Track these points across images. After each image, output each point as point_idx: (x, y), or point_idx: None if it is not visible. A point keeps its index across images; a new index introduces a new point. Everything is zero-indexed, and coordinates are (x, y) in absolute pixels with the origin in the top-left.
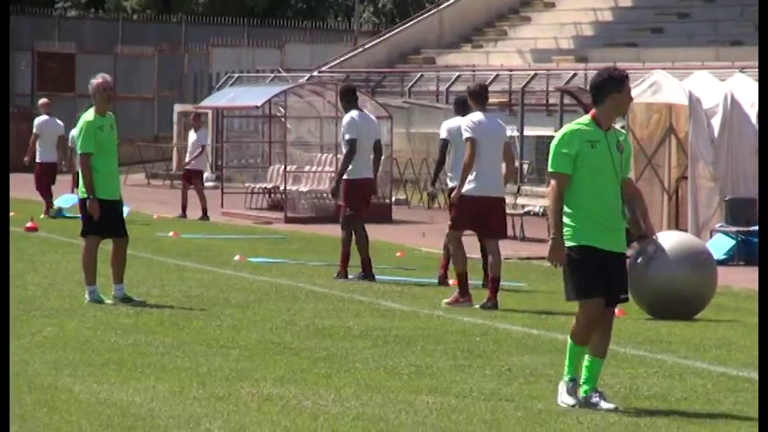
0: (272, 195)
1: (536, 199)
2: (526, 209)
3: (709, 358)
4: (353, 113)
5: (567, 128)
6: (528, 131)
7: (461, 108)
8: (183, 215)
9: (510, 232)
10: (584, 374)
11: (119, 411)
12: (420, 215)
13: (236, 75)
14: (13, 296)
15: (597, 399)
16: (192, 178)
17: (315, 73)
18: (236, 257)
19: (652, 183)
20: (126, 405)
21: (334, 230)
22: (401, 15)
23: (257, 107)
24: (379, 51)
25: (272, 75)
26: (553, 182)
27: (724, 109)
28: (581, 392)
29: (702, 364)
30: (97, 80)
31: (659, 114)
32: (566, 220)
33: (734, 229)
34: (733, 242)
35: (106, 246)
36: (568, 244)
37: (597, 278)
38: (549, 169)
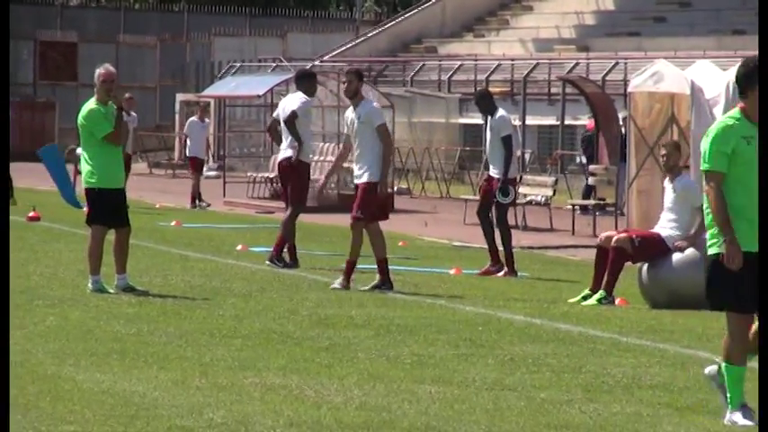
0: (274, 185)
1: (538, 188)
2: (528, 198)
3: (712, 348)
4: None
5: (720, 123)
6: (530, 120)
7: (488, 102)
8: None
9: (512, 221)
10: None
11: (121, 401)
12: (422, 205)
13: (239, 64)
14: (16, 286)
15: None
16: (198, 167)
17: (317, 62)
18: (239, 247)
19: (653, 172)
20: (129, 394)
21: (337, 220)
22: (403, 4)
23: (259, 96)
24: (381, 40)
25: (274, 64)
26: (712, 182)
27: (726, 98)
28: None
29: (705, 354)
30: (101, 71)
31: (661, 104)
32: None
33: None
34: None
35: (109, 235)
36: (716, 251)
37: (749, 289)
38: (705, 168)
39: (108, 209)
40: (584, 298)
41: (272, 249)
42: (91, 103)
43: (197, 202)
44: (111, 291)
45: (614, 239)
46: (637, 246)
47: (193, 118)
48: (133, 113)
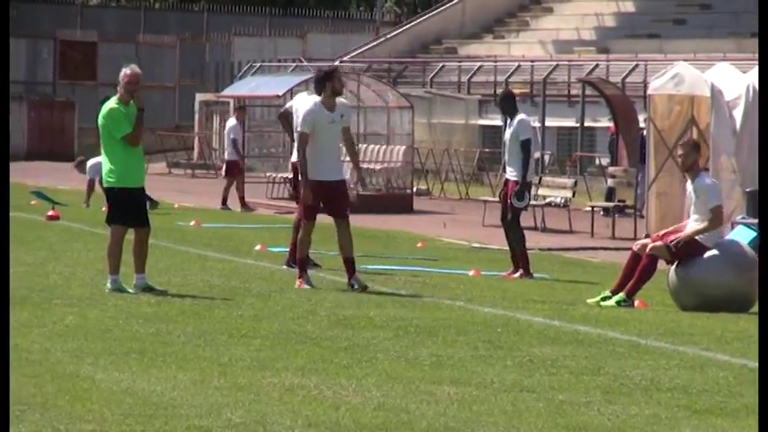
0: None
1: (557, 190)
2: (547, 200)
3: (731, 350)
4: None
5: None
6: (549, 122)
7: (510, 103)
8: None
9: (531, 223)
10: None
11: (140, 400)
12: (441, 206)
13: (258, 64)
14: (35, 284)
15: None
16: (236, 169)
17: (336, 63)
18: (258, 247)
19: (672, 174)
20: (147, 394)
21: (356, 221)
22: (423, 5)
23: (279, 96)
24: (401, 41)
25: (294, 64)
26: None
27: (746, 101)
28: None
29: (724, 357)
30: (126, 71)
31: (680, 106)
32: None
33: (755, 221)
34: (754, 234)
35: (128, 235)
36: None
37: None
38: None
39: (127, 208)
40: (604, 299)
41: (287, 252)
42: (111, 103)
43: (224, 204)
44: (130, 290)
45: (649, 247)
46: (674, 251)
47: (234, 120)
48: None
